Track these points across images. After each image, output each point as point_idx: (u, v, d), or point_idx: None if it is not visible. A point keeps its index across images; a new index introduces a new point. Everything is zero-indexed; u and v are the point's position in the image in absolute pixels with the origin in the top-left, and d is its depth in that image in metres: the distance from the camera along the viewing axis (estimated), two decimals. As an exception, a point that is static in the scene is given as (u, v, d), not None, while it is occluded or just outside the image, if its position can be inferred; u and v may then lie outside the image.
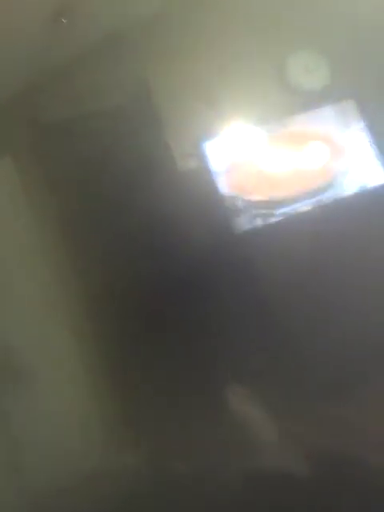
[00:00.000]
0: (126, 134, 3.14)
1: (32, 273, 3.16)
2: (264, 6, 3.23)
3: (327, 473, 1.95)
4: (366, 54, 3.21)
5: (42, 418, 2.90)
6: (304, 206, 3.05)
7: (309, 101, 3.21)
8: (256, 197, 3.06)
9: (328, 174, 3.12)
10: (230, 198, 3.03)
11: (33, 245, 3.21)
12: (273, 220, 3.03)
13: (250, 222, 3.01)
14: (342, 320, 2.73)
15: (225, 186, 3.05)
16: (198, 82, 3.21)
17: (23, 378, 2.94)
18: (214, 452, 2.40)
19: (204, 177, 3.04)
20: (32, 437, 2.89)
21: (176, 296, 2.97)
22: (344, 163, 3.13)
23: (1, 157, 3.22)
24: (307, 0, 3.21)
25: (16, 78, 3.13)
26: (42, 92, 3.21)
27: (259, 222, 3.03)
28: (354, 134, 3.17)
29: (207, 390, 2.65)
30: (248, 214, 3.02)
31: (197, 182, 3.06)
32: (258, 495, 1.97)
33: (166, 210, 2.96)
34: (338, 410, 2.40)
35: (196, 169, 3.11)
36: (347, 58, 3.26)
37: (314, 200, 3.07)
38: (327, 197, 3.08)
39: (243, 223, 3.01)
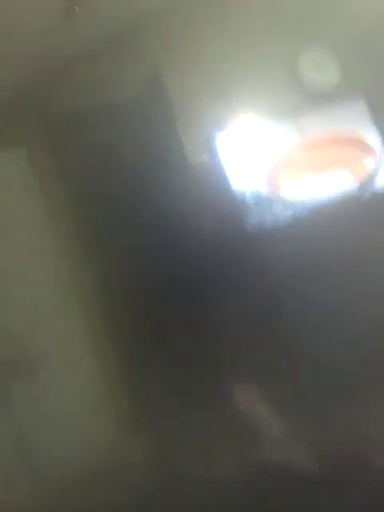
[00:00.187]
0: (137, 127, 3.14)
1: (44, 263, 3.20)
2: (277, 2, 3.19)
3: (330, 473, 1.96)
4: (378, 52, 3.15)
5: (53, 410, 2.96)
6: (317, 203, 3.02)
7: (320, 97, 3.18)
8: (268, 192, 3.04)
9: (342, 171, 3.08)
10: (241, 193, 3.01)
11: (46, 235, 3.24)
12: (285, 216, 3.01)
13: (262, 218, 3.00)
14: (351, 320, 2.72)
15: (236, 180, 3.03)
16: (210, 75, 3.19)
17: (34, 367, 2.99)
18: (221, 449, 2.43)
19: (215, 171, 3.03)
20: (42, 428, 2.95)
21: (186, 290, 2.99)
22: (361, 162, 3.08)
23: (15, 148, 3.24)
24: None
25: (28, 70, 3.13)
26: (54, 84, 3.22)
27: (271, 217, 3.01)
28: (367, 133, 3.12)
29: (215, 388, 2.67)
30: (260, 210, 3.00)
31: (208, 177, 3.06)
32: (261, 492, 2.00)
33: (177, 204, 2.97)
34: (341, 412, 2.41)
35: (207, 163, 3.10)
36: (359, 55, 3.21)
37: (327, 197, 3.04)
38: (341, 194, 3.04)
39: (255, 218, 3.00)
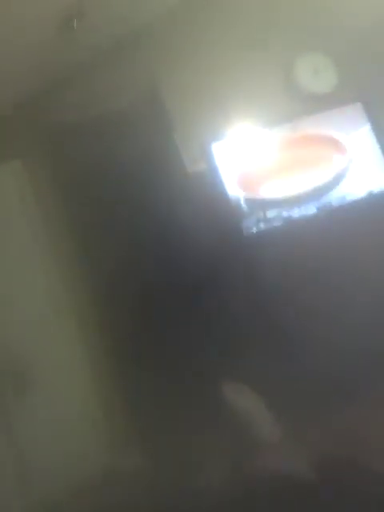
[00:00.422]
0: (134, 136, 3.15)
1: (40, 275, 3.18)
2: (271, 8, 3.24)
3: (328, 477, 1.91)
4: (374, 56, 3.18)
5: (46, 422, 2.90)
6: (311, 209, 3.03)
7: (316, 103, 3.19)
8: (263, 199, 3.04)
9: (335, 176, 3.08)
10: (237, 200, 3.01)
11: (42, 248, 3.23)
12: (280, 222, 3.01)
13: (258, 224, 2.99)
14: (346, 324, 2.69)
15: (232, 187, 3.03)
16: (206, 84, 3.21)
17: (28, 380, 2.95)
18: (217, 461, 2.38)
19: (212, 179, 3.03)
20: (36, 441, 2.89)
21: (182, 298, 2.96)
22: (351, 166, 3.10)
23: (12, 161, 3.25)
24: (315, 2, 3.20)
25: (27, 83, 3.17)
26: (52, 97, 3.24)
27: (266, 224, 3.01)
28: (361, 137, 3.13)
29: (211, 398, 2.63)
30: (255, 216, 3.00)
31: (205, 184, 3.06)
32: (259, 497, 1.95)
33: (174, 212, 2.96)
34: (340, 415, 2.37)
35: (204, 171, 3.10)
36: (355, 61, 3.24)
37: (321, 203, 3.04)
38: (334, 199, 3.05)
39: (250, 225, 2.99)
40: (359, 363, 2.63)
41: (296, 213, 3.02)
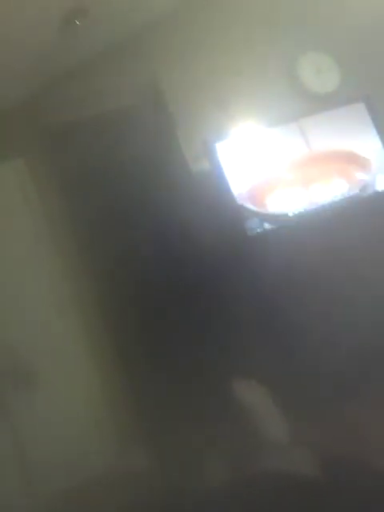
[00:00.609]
0: (136, 135, 3.15)
1: (43, 274, 3.18)
2: (275, 7, 3.22)
3: (331, 476, 1.92)
4: (377, 55, 3.17)
5: (50, 422, 2.91)
6: (315, 209, 3.02)
7: (319, 102, 3.19)
8: (267, 199, 3.04)
9: (340, 176, 3.08)
10: (240, 200, 3.00)
11: (45, 247, 3.23)
12: (283, 222, 3.00)
13: (261, 225, 2.99)
14: (350, 325, 2.70)
15: (235, 187, 3.02)
16: (208, 83, 3.21)
17: (32, 379, 2.95)
18: (222, 460, 2.39)
19: (214, 178, 3.03)
20: (40, 440, 2.90)
21: (185, 297, 2.97)
22: (357, 167, 3.09)
23: (14, 159, 3.25)
24: (318, 1, 3.19)
25: (29, 81, 3.16)
26: (54, 95, 3.23)
27: (270, 224, 3.00)
28: (365, 137, 3.12)
29: (216, 397, 2.63)
30: (258, 217, 2.99)
31: (207, 184, 3.05)
32: (262, 495, 1.95)
33: (177, 212, 2.96)
34: (341, 414, 2.38)
35: (206, 170, 3.09)
36: (358, 60, 3.23)
37: (325, 203, 3.03)
38: (339, 200, 3.04)
39: (253, 225, 2.98)
40: (361, 363, 2.64)
41: (300, 213, 3.01)
